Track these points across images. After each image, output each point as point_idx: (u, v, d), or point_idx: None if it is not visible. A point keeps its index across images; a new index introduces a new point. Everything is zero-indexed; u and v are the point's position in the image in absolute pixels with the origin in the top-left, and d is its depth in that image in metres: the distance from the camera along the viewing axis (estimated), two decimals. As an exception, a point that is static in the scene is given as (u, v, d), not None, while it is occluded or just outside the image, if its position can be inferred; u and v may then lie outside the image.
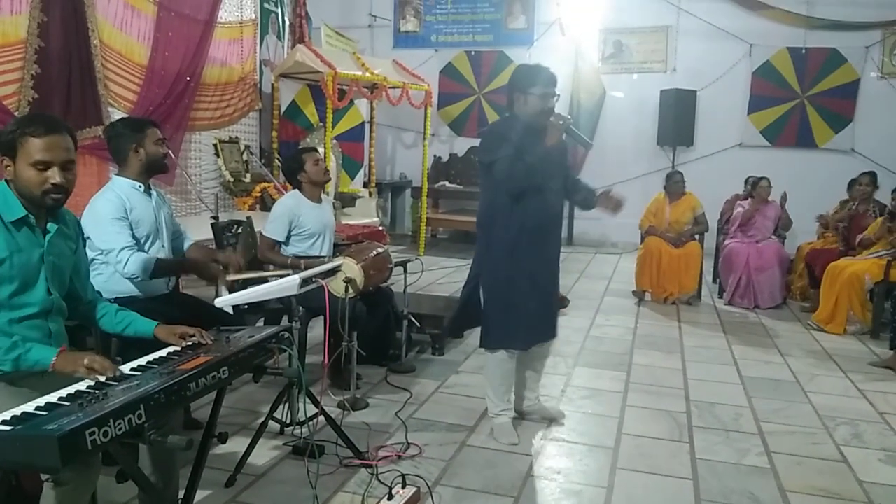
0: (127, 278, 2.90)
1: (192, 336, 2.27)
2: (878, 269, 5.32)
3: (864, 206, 6.22)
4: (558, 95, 3.22)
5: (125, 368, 1.98)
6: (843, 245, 6.21)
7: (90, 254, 2.84)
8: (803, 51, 8.96)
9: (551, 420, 3.54)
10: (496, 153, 3.09)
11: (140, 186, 3.03)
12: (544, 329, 3.40)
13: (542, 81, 3.15)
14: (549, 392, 3.89)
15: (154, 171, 3.10)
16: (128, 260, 2.84)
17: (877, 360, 4.77)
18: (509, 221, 3.17)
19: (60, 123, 2.10)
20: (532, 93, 3.14)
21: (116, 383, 1.85)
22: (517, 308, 3.22)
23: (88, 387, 1.85)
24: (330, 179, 4.11)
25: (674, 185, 6.57)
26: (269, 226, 3.97)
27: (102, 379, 1.88)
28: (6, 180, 2.07)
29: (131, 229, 2.93)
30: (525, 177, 3.06)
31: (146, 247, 2.99)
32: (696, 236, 6.58)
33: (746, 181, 7.19)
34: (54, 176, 2.03)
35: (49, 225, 2.13)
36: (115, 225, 2.88)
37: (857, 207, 6.26)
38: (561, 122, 3.11)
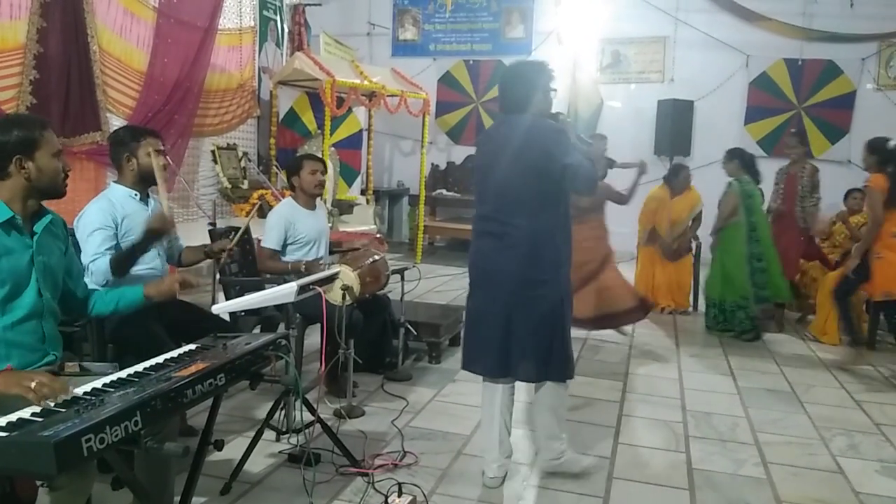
0: (100, 286, 2.77)
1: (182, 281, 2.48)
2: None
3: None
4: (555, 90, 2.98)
5: (122, 374, 1.97)
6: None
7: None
8: (800, 62, 9.01)
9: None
10: (574, 155, 2.77)
11: (136, 195, 3.01)
12: None
13: (552, 75, 2.92)
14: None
15: (148, 183, 3.04)
16: (92, 270, 2.76)
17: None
18: (567, 231, 2.92)
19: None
20: (551, 88, 2.90)
21: (64, 409, 1.67)
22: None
23: (86, 392, 1.80)
24: (320, 194, 4.10)
25: (682, 181, 6.44)
26: (266, 236, 3.97)
27: (52, 404, 1.69)
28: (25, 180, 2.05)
29: (116, 239, 2.87)
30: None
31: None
32: (693, 245, 6.57)
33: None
34: (65, 163, 2.15)
35: (35, 226, 2.13)
36: (95, 235, 2.82)
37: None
38: (569, 120, 2.88)
